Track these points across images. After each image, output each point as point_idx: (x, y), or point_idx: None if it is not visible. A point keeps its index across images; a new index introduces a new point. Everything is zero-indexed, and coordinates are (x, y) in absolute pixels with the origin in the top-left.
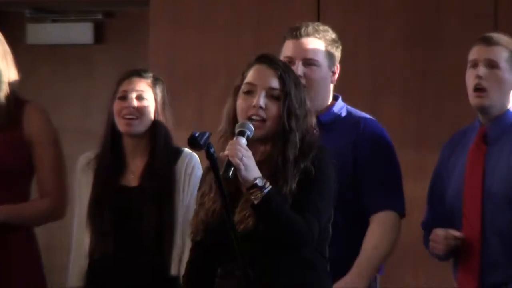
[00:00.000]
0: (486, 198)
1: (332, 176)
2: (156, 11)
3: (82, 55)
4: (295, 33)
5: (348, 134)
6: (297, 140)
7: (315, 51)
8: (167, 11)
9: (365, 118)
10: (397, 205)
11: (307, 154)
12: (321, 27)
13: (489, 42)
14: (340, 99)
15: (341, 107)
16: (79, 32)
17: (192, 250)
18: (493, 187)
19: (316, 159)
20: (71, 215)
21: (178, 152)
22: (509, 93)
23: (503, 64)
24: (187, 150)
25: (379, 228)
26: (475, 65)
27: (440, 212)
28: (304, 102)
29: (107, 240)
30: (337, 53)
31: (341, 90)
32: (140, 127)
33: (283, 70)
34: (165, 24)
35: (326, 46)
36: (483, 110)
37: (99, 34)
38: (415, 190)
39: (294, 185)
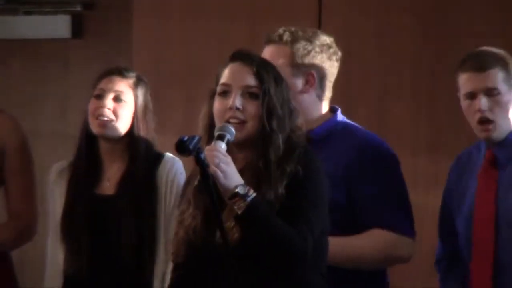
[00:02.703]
0: (501, 227)
1: (324, 183)
2: (140, 2)
3: (58, 50)
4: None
5: (342, 152)
6: (280, 142)
7: (272, 56)
8: (153, 2)
9: (363, 132)
10: (397, 223)
11: (291, 155)
12: (293, 35)
13: (481, 67)
14: (339, 112)
15: (337, 122)
16: (55, 25)
17: (173, 272)
18: (508, 214)
19: (303, 162)
20: (44, 230)
21: (159, 157)
22: (510, 111)
23: (501, 86)
24: (168, 154)
25: (366, 237)
26: (472, 96)
27: (453, 246)
28: (287, 100)
29: (81, 256)
30: (310, 59)
31: (347, 94)
32: (115, 131)
33: (260, 65)
34: (150, 16)
35: (289, 54)
36: (492, 140)
37: (77, 28)
38: (428, 199)
39: (281, 190)
